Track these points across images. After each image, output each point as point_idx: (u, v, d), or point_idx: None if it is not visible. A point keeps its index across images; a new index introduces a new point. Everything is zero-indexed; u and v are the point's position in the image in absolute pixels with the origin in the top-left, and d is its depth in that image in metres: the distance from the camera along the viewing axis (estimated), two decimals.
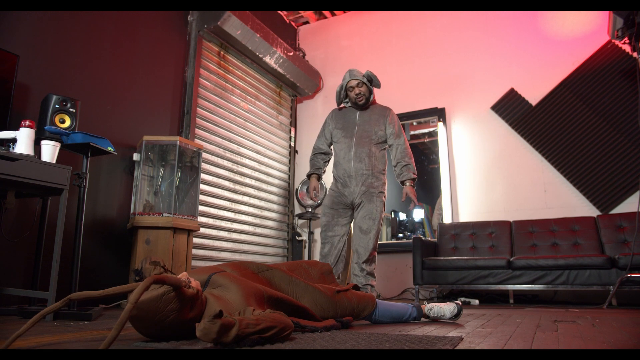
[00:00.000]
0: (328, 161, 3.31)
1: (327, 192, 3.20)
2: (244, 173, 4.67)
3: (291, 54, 5.09)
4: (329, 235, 3.06)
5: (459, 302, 2.18)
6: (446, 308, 2.12)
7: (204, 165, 4.05)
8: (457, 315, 2.12)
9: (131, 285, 1.40)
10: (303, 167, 5.48)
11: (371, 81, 3.09)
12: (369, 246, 2.94)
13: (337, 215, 3.07)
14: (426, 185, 5.18)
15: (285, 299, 1.64)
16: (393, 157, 3.12)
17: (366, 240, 2.95)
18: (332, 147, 3.27)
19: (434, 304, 2.15)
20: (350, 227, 3.18)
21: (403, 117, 5.04)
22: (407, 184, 3.04)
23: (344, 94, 3.14)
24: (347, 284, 1.98)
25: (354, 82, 3.07)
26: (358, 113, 3.15)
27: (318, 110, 5.64)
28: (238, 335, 1.23)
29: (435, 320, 2.14)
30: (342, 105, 3.23)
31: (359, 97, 3.08)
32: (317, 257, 5.19)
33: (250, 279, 1.64)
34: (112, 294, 1.32)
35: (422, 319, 2.16)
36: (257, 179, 4.87)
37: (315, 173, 3.25)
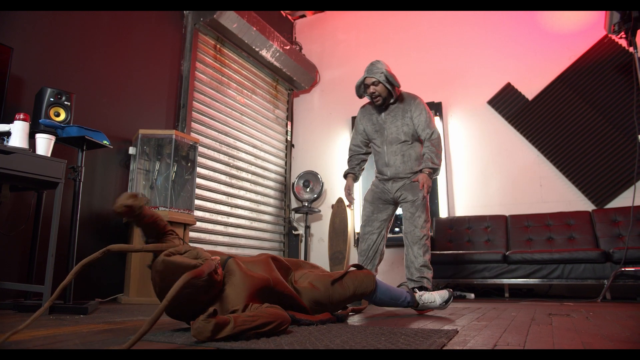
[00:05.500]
0: (364, 161, 3.18)
1: (370, 187, 3.12)
2: (241, 167, 4.66)
3: (288, 47, 5.07)
4: (367, 230, 3.01)
5: (450, 289, 2.22)
6: (437, 294, 2.17)
7: (200, 159, 4.04)
8: (447, 300, 2.16)
9: (168, 245, 1.43)
10: (299, 161, 5.48)
11: (389, 81, 2.91)
12: (415, 233, 2.84)
13: (377, 210, 3.02)
14: None
15: (290, 295, 1.64)
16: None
17: (412, 228, 2.86)
18: (369, 145, 3.14)
19: (424, 291, 2.18)
20: (389, 223, 3.11)
21: None
22: (424, 171, 2.90)
23: (363, 88, 2.99)
24: (346, 267, 1.96)
25: (369, 80, 2.90)
26: (383, 114, 3.01)
27: (315, 104, 5.63)
28: (233, 333, 1.23)
29: (426, 306, 2.15)
30: (365, 99, 3.09)
31: (373, 96, 2.92)
32: (313, 251, 5.20)
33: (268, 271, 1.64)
34: (152, 250, 1.40)
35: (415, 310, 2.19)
36: (253, 173, 4.86)
37: (351, 172, 3.15)
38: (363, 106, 3.17)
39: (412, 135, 2.95)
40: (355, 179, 3.17)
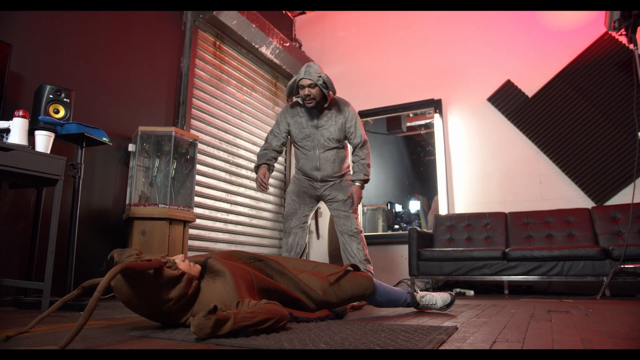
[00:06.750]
0: (277, 158, 3.08)
1: (292, 179, 3.10)
2: (240, 164, 4.66)
3: (287, 44, 5.06)
4: (293, 224, 2.99)
5: (452, 292, 2.20)
6: (438, 297, 2.14)
7: (199, 156, 4.04)
8: (449, 304, 2.13)
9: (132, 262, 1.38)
10: None
11: (326, 86, 2.83)
12: (352, 229, 2.90)
13: (303, 203, 3.01)
14: (422, 177, 5.19)
15: (280, 289, 1.64)
16: (351, 156, 3.02)
17: (349, 224, 2.91)
18: (284, 144, 3.08)
19: (426, 292, 2.17)
20: (313, 216, 3.11)
21: (399, 108, 5.04)
22: (356, 183, 2.92)
23: (296, 89, 2.90)
24: (344, 265, 1.95)
25: (305, 82, 2.79)
26: (316, 119, 2.94)
27: None
28: (234, 330, 1.23)
29: (427, 307, 2.14)
30: (293, 99, 3.01)
31: (307, 99, 2.82)
32: (313, 249, 5.20)
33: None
34: (119, 271, 1.35)
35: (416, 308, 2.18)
36: (253, 170, 4.85)
37: (266, 163, 2.99)
38: (291, 106, 3.05)
39: (342, 141, 2.99)
40: (270, 170, 3.00)
